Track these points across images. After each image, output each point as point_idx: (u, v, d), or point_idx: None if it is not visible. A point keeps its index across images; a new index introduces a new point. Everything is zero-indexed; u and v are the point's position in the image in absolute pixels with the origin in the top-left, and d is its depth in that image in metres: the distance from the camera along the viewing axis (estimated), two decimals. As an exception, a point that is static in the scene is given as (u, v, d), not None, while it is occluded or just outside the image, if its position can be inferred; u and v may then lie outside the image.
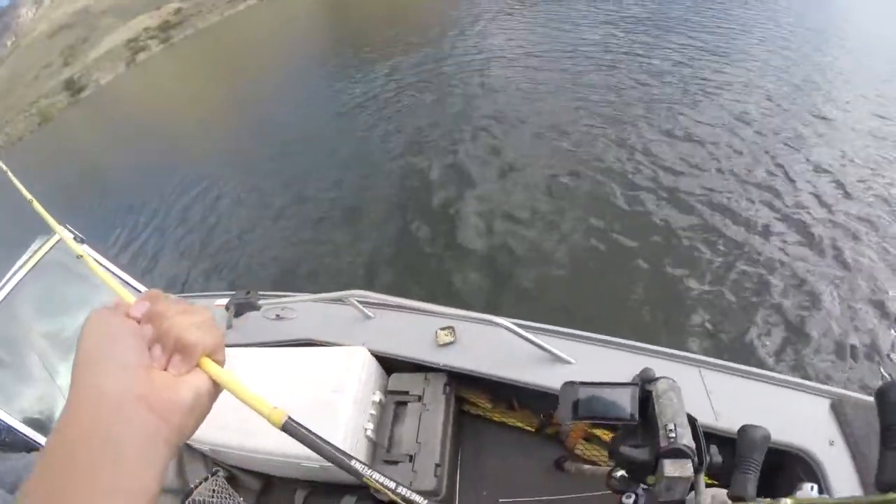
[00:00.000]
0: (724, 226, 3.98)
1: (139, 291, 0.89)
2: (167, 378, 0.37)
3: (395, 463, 1.77)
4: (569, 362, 1.68)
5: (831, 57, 6.59)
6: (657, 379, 0.94)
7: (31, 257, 2.08)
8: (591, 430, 1.84)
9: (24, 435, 1.89)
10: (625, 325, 3.32)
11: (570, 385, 0.95)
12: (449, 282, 4.25)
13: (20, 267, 2.06)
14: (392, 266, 4.74)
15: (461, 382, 1.99)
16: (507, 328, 1.65)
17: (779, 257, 3.61)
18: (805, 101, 5.60)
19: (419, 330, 1.98)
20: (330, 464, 0.49)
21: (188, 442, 1.91)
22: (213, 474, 1.79)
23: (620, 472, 0.98)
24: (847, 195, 4.07)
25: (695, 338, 3.18)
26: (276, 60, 17.00)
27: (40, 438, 1.91)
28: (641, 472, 0.91)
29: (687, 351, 1.67)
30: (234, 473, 2.05)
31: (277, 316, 2.31)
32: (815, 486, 0.85)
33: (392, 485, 0.55)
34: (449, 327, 1.94)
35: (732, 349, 3.06)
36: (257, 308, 2.23)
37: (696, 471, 0.84)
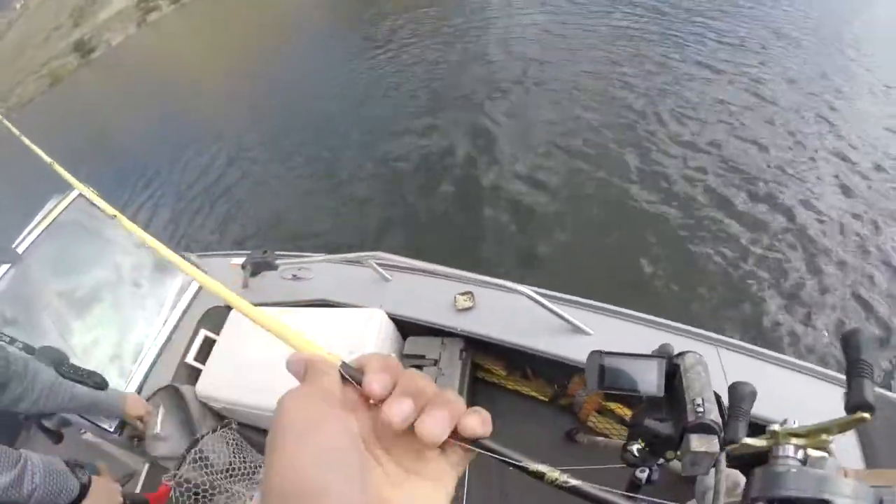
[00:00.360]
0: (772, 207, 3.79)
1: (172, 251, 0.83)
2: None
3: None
4: (588, 333, 1.66)
5: None
6: (685, 353, 0.92)
7: (47, 215, 2.08)
8: (604, 402, 1.84)
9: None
10: (645, 300, 3.25)
11: (597, 354, 0.93)
12: (469, 246, 4.20)
13: (36, 224, 2.05)
14: (407, 227, 4.70)
15: (477, 349, 1.98)
16: (527, 295, 1.62)
17: (824, 244, 3.45)
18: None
19: (437, 294, 1.95)
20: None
21: (202, 400, 1.94)
22: (224, 426, 1.78)
23: (636, 446, 0.96)
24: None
25: (719, 318, 3.11)
26: (293, 19, 16.38)
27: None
28: (663, 446, 0.90)
29: (706, 329, 1.63)
30: (247, 434, 2.09)
31: (294, 276, 2.29)
32: None
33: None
34: (468, 292, 1.90)
35: (756, 331, 2.99)
36: (274, 268, 2.21)
37: (721, 448, 0.83)
